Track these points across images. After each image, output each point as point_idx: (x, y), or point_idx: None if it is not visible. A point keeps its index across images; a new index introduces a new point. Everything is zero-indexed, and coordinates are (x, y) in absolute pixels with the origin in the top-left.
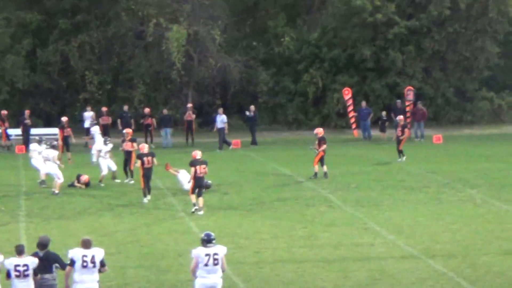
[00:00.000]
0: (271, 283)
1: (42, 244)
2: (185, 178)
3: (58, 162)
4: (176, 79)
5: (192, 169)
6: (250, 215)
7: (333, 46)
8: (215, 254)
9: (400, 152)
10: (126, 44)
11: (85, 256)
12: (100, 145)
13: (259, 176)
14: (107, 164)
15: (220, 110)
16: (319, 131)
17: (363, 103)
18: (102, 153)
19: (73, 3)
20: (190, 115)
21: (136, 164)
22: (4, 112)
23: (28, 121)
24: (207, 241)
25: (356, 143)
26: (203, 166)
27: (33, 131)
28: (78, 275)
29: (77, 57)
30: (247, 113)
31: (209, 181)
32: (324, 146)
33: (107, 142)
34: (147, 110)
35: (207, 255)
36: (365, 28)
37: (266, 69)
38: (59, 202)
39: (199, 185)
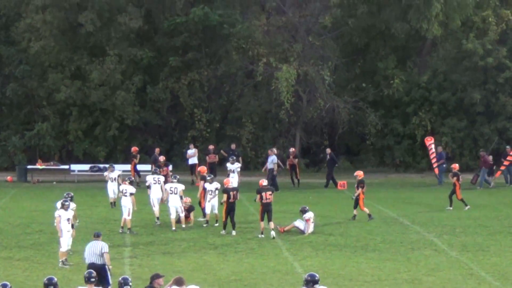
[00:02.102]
0: None
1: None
2: (299, 225)
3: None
4: (284, 119)
5: (258, 195)
6: (354, 257)
7: (443, 89)
8: None
9: (458, 201)
10: (236, 83)
11: None
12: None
13: (364, 218)
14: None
15: (270, 151)
16: (360, 173)
17: (439, 148)
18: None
19: (184, 41)
20: (292, 160)
21: (222, 198)
22: (135, 148)
23: (161, 160)
24: (311, 281)
25: (462, 186)
26: (269, 192)
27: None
28: None
29: (186, 94)
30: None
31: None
32: (359, 190)
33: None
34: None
35: None
36: (475, 71)
37: (375, 111)
38: (164, 238)
39: (266, 210)
